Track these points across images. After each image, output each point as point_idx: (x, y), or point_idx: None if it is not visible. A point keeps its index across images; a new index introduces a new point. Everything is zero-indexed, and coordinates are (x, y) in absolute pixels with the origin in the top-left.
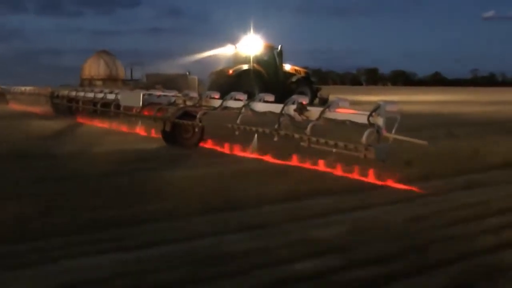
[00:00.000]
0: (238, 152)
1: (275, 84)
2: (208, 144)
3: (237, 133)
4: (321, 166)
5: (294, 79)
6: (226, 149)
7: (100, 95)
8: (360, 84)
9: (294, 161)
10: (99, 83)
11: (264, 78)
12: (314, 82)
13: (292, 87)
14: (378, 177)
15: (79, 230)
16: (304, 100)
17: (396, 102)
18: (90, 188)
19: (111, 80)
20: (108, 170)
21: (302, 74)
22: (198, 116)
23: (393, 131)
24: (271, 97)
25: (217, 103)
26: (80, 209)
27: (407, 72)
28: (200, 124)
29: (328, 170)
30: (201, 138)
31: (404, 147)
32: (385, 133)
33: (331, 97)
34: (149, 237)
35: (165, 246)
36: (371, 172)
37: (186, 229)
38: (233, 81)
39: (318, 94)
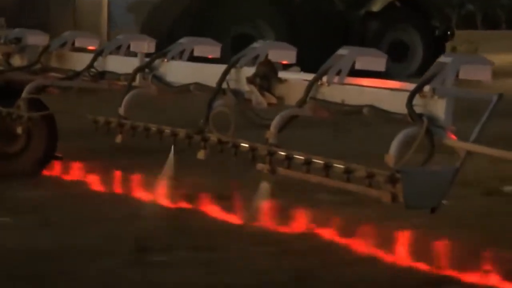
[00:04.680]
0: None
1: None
2: (67, 170)
3: (118, 139)
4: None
5: None
6: (113, 185)
7: None
8: None
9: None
10: None
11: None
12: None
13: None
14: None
15: None
16: (285, 57)
17: (490, 62)
18: None
19: None
20: None
21: None
22: (24, 93)
23: (475, 135)
24: (212, 48)
25: (83, 61)
26: None
27: None
28: (32, 115)
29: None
30: (49, 153)
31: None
32: (450, 137)
33: None
34: None
35: None
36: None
37: None
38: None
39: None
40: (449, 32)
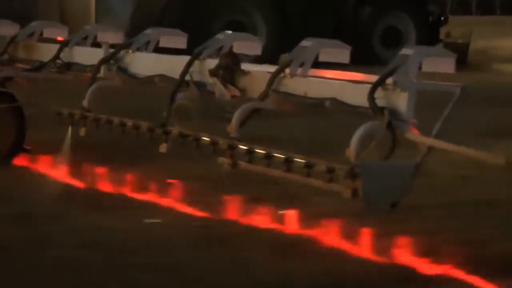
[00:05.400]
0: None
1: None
2: (38, 162)
3: (82, 132)
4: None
5: None
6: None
7: None
8: None
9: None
10: None
11: None
12: None
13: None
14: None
15: None
16: (249, 49)
17: (453, 54)
18: None
19: None
20: None
21: None
22: None
23: (436, 129)
24: (178, 38)
25: (50, 52)
26: None
27: None
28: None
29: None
30: (18, 144)
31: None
32: (411, 131)
33: None
34: None
35: None
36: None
37: None
38: None
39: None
40: (442, 18)
